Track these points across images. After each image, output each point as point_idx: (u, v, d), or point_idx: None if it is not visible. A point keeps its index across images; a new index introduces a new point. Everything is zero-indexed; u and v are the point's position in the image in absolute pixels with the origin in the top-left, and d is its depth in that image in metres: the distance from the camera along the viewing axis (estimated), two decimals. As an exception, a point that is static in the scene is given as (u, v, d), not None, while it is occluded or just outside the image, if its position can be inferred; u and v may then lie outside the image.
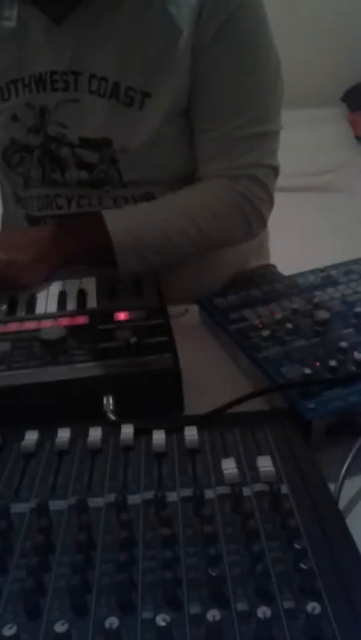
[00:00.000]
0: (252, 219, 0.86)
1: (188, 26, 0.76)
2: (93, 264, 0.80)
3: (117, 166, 0.83)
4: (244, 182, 0.84)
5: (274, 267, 1.10)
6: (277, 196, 0.91)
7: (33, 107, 0.83)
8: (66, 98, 0.82)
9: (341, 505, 0.49)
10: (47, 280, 0.77)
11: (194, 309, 0.80)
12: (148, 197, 0.86)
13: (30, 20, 0.81)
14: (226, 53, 0.78)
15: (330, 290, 0.77)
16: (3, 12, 0.83)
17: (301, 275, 0.82)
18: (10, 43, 0.83)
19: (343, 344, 0.65)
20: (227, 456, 0.51)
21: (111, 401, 0.58)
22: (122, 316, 0.69)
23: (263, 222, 0.89)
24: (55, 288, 0.77)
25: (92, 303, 0.73)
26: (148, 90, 0.79)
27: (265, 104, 0.82)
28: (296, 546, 0.41)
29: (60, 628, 0.36)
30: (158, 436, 0.53)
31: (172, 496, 0.47)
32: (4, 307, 0.73)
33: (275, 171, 0.87)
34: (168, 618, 0.36)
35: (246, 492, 0.47)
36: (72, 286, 0.77)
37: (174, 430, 0.54)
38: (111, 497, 0.47)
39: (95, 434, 0.54)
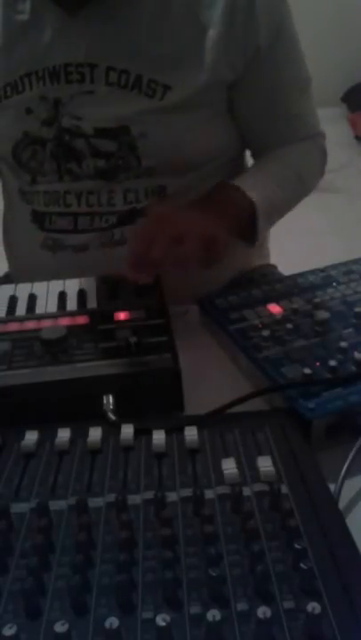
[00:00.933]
0: (324, 167, 0.99)
1: (219, 25, 0.79)
2: (237, 235, 0.83)
3: (136, 153, 0.83)
4: (318, 141, 0.96)
5: (274, 267, 1.10)
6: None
7: (47, 99, 0.83)
8: (81, 90, 0.82)
9: (341, 505, 0.49)
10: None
11: (194, 309, 0.80)
12: (160, 191, 0.86)
13: (44, 12, 0.81)
14: (285, 48, 0.85)
15: (330, 290, 0.77)
16: (16, 5, 0.83)
17: (301, 275, 0.82)
18: (24, 36, 0.83)
19: (343, 344, 0.65)
20: (227, 456, 0.51)
21: (111, 401, 0.58)
22: (122, 315, 0.69)
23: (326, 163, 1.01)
24: (55, 288, 0.77)
25: (92, 303, 0.74)
26: (170, 83, 0.80)
27: (306, 84, 0.93)
28: (296, 546, 0.41)
29: (60, 628, 0.36)
30: (158, 436, 0.53)
31: (172, 496, 0.47)
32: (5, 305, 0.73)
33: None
34: (168, 618, 0.36)
35: (246, 491, 0.47)
36: (72, 286, 0.77)
37: (174, 430, 0.54)
38: (111, 497, 0.47)
39: (95, 434, 0.54)
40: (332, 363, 0.61)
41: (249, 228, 0.83)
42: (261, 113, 0.89)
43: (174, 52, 0.80)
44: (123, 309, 0.70)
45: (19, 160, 0.89)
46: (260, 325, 0.71)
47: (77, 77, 0.82)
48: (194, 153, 0.87)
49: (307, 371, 0.60)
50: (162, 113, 0.81)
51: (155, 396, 0.61)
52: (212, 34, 0.79)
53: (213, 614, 0.36)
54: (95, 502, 0.47)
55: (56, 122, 0.84)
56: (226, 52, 0.80)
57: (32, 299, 0.75)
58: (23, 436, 0.54)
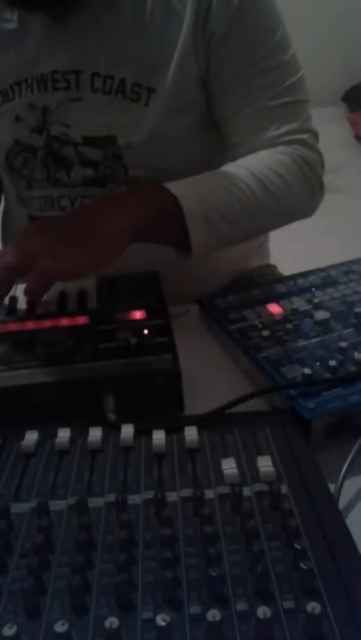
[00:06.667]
0: (314, 182, 0.84)
1: (190, 15, 0.76)
2: (160, 240, 0.75)
3: (123, 162, 0.83)
4: (296, 147, 0.83)
5: (274, 267, 1.10)
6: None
7: (35, 107, 0.83)
8: (67, 97, 0.82)
9: (341, 505, 0.49)
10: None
11: (194, 309, 0.80)
12: None
13: (31, 21, 0.81)
14: (242, 39, 0.78)
15: (330, 290, 0.77)
16: (3, 14, 0.83)
17: (301, 275, 0.82)
18: (12, 45, 0.83)
19: (343, 344, 0.65)
20: (227, 456, 0.51)
21: (111, 401, 0.58)
22: (122, 316, 0.69)
23: (322, 188, 0.86)
24: (55, 288, 0.77)
25: (92, 303, 0.73)
26: (154, 85, 0.79)
27: (288, 79, 0.82)
28: (296, 546, 0.41)
29: (60, 628, 0.36)
30: (158, 436, 0.53)
31: (172, 496, 0.47)
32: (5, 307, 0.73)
33: (316, 135, 0.86)
34: (168, 618, 0.36)
35: (246, 492, 0.47)
36: (72, 286, 0.77)
37: (174, 430, 0.54)
38: (111, 497, 0.47)
39: (95, 434, 0.54)
40: (332, 363, 0.61)
41: (179, 230, 0.72)
42: (232, 111, 0.82)
43: (155, 52, 0.78)
44: (123, 309, 0.70)
45: (11, 167, 0.89)
46: (260, 325, 0.71)
47: (64, 85, 0.81)
48: (179, 163, 0.84)
49: (307, 371, 0.60)
50: (147, 121, 0.80)
51: (155, 397, 0.61)
52: (185, 26, 0.77)
53: (213, 614, 0.36)
54: (95, 502, 0.47)
55: (45, 129, 0.84)
56: (194, 45, 0.77)
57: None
58: (23, 436, 0.54)
